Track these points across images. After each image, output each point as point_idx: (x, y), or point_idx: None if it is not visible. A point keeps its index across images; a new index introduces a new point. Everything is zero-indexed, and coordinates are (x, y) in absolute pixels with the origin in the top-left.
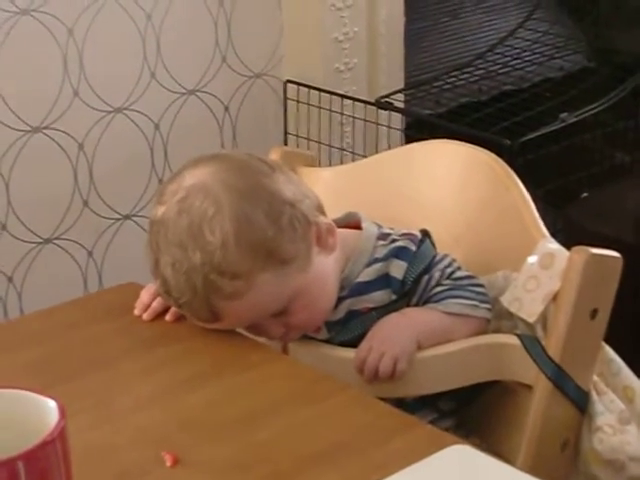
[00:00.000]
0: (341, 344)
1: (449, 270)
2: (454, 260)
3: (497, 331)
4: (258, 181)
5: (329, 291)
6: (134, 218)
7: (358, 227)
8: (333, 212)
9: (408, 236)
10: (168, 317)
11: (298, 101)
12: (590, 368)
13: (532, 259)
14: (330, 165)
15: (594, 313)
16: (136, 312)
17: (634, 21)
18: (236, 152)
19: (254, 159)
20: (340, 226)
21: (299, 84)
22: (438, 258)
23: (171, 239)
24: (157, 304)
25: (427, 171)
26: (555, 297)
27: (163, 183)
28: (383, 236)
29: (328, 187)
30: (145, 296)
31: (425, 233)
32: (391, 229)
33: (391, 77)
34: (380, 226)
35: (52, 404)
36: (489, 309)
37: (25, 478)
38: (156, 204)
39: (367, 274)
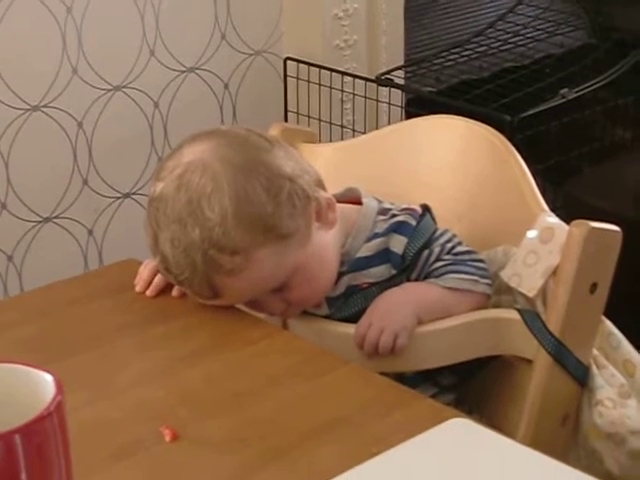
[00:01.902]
0: (342, 320)
1: (449, 245)
2: (454, 235)
3: (497, 306)
4: (257, 156)
5: (329, 266)
6: (134, 196)
7: (358, 202)
8: (333, 188)
9: (408, 211)
10: (174, 292)
11: (298, 78)
12: (590, 342)
13: (532, 234)
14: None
15: (594, 287)
16: (138, 289)
17: None
18: (235, 127)
19: (253, 134)
20: (340, 201)
21: (299, 61)
22: (438, 233)
23: (170, 215)
24: (159, 280)
25: (427, 146)
26: (555, 271)
27: (162, 160)
28: (383, 211)
29: (328, 163)
30: (145, 272)
31: (425, 208)
32: (391, 204)
33: (391, 54)
34: (380, 201)
35: (49, 378)
36: (489, 284)
37: (22, 452)
38: (155, 180)
39: (367, 249)
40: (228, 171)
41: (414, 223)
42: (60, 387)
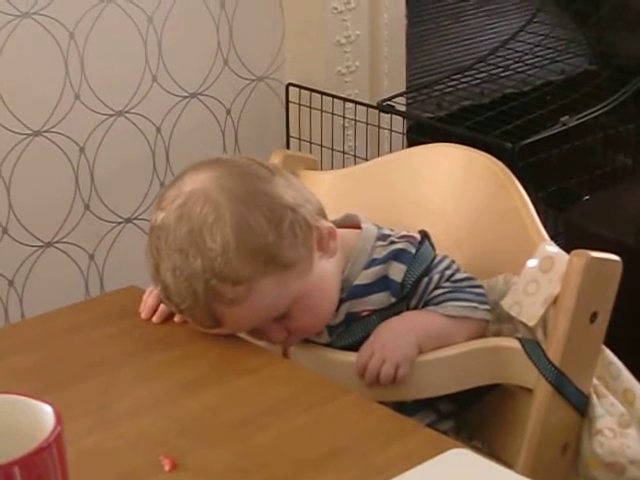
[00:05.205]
0: (343, 348)
1: (448, 272)
2: (453, 261)
3: (498, 334)
4: (258, 186)
5: (330, 295)
6: (135, 221)
7: (357, 228)
8: (335, 215)
9: (407, 238)
10: (177, 319)
11: (300, 104)
12: (590, 371)
13: (532, 263)
14: (332, 169)
15: (594, 316)
16: (143, 316)
17: (636, 24)
18: (236, 157)
19: (255, 164)
20: (339, 227)
21: (301, 87)
22: (437, 260)
23: (171, 245)
24: (164, 307)
25: (428, 175)
26: (555, 300)
27: (163, 188)
28: (382, 237)
29: (330, 190)
30: (150, 299)
31: (424, 234)
32: (391, 230)
33: (393, 80)
34: (380, 227)
35: (48, 409)
36: (488, 310)
37: None
38: (156, 209)
39: (366, 276)
40: (230, 201)
41: (413, 251)
42: (59, 418)
